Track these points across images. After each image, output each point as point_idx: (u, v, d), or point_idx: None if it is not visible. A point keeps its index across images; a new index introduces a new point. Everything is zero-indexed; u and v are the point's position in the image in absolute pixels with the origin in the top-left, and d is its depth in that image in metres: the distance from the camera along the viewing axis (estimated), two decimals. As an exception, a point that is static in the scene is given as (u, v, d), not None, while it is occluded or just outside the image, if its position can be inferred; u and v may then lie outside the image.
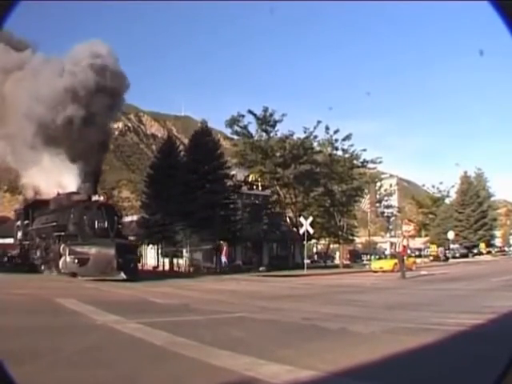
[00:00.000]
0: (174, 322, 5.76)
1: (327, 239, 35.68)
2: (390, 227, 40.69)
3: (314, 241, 38.79)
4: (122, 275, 15.18)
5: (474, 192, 49.81)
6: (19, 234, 24.66)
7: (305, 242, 24.80)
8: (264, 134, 28.79)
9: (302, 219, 24.92)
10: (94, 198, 18.14)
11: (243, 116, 28.52)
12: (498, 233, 56.99)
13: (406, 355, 3.75)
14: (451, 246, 43.83)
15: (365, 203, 35.82)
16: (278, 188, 30.05)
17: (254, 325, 5.74)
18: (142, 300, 9.09)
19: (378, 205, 36.42)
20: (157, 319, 5.93)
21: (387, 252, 37.73)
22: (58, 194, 21.29)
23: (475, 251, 46.80)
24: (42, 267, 18.89)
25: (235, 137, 30.09)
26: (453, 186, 51.77)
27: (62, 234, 17.28)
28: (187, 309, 7.49)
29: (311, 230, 24.28)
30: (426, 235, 50.12)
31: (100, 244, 15.89)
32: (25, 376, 2.53)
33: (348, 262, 35.13)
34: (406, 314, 6.48)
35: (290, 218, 31.78)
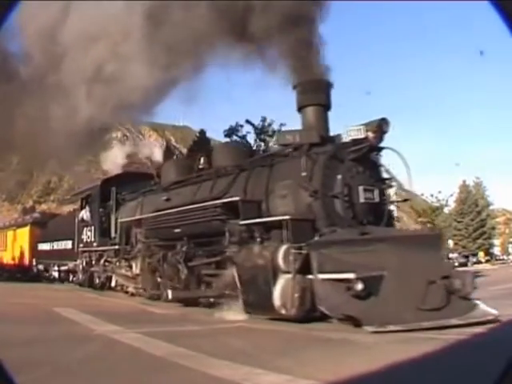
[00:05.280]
0: (173, 332, 5.74)
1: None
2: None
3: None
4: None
5: (472, 201, 49.88)
6: (88, 234, 13.89)
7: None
8: (262, 143, 28.89)
9: None
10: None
11: (241, 126, 28.63)
12: (496, 241, 56.99)
13: (407, 365, 3.74)
14: (450, 255, 43.78)
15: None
16: None
17: (253, 334, 5.73)
18: (142, 310, 9.06)
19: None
20: (156, 329, 5.91)
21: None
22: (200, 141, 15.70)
23: (474, 260, 46.75)
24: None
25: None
26: (451, 195, 51.85)
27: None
28: (186, 319, 7.47)
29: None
30: (425, 244, 49.92)
31: (399, 243, 6.15)
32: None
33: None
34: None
35: None
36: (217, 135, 36.80)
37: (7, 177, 50.48)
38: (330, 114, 8.25)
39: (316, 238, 6.48)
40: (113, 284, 12.58)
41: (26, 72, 13.94)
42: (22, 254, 22.41)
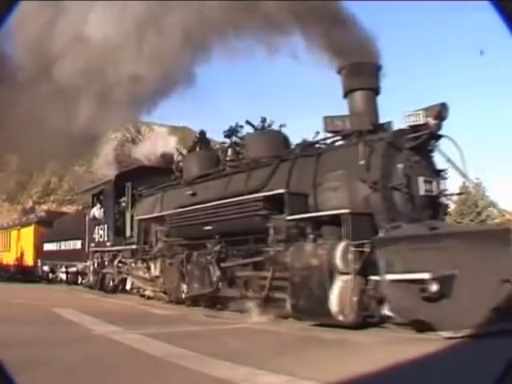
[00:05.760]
0: (173, 333, 5.74)
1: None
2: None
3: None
4: None
5: (472, 202, 49.84)
6: (100, 233, 12.98)
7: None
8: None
9: None
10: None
11: (241, 126, 28.58)
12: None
13: (406, 365, 3.74)
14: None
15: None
16: None
17: (252, 335, 5.72)
18: (142, 311, 9.06)
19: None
20: (156, 330, 5.90)
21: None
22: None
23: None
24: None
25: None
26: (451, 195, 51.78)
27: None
28: (186, 319, 7.47)
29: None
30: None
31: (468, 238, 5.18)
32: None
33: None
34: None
35: None
36: (217, 135, 36.86)
37: (7, 177, 50.45)
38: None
39: (381, 234, 5.80)
40: (128, 287, 11.79)
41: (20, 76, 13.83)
42: (26, 254, 21.65)
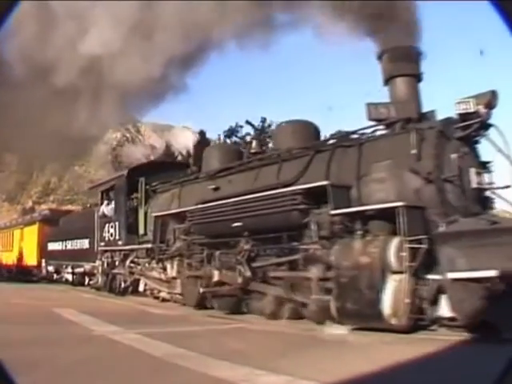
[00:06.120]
0: (173, 333, 5.74)
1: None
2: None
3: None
4: None
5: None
6: (111, 232, 12.29)
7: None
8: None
9: None
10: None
11: (241, 127, 28.60)
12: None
13: (406, 365, 3.74)
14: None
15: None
16: None
17: (252, 335, 5.72)
18: (141, 311, 9.06)
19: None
20: (156, 330, 5.90)
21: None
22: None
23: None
24: None
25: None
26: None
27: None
28: (185, 319, 7.46)
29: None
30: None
31: None
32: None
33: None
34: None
35: None
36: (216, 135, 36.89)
37: (7, 177, 50.48)
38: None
39: (441, 229, 5.31)
40: (141, 288, 11.25)
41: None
42: (29, 254, 20.92)
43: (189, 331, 6.05)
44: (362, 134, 7.21)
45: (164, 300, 10.16)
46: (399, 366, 3.70)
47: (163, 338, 5.14)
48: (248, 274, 7.38)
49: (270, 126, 28.52)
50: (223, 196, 8.29)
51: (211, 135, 30.11)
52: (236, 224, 7.61)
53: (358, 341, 5.01)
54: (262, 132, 28.99)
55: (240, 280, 7.45)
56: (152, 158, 17.18)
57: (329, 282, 5.97)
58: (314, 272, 6.24)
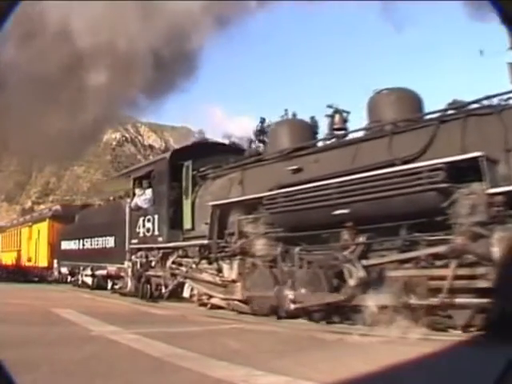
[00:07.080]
0: (172, 333, 5.73)
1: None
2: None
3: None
4: None
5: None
6: (148, 226, 10.51)
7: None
8: (261, 144, 28.85)
9: None
10: None
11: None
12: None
13: (406, 365, 3.74)
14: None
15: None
16: None
17: (251, 335, 5.71)
18: (140, 311, 9.05)
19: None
20: (155, 330, 5.89)
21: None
22: None
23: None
24: None
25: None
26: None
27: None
28: (185, 320, 7.46)
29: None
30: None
31: None
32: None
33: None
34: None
35: None
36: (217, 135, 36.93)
37: (6, 177, 50.47)
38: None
39: None
40: (186, 294, 9.61)
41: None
42: (39, 253, 19.14)
43: (188, 331, 6.05)
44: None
45: (214, 307, 8.65)
46: (399, 365, 3.70)
47: (162, 338, 5.13)
48: (361, 274, 5.95)
49: (269, 126, 28.49)
50: (311, 178, 6.86)
51: (210, 136, 30.20)
52: (340, 211, 6.17)
53: (359, 340, 5.00)
54: (261, 132, 29.00)
55: (353, 282, 5.96)
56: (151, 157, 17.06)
57: (477, 280, 4.89)
58: (465, 269, 5.01)
